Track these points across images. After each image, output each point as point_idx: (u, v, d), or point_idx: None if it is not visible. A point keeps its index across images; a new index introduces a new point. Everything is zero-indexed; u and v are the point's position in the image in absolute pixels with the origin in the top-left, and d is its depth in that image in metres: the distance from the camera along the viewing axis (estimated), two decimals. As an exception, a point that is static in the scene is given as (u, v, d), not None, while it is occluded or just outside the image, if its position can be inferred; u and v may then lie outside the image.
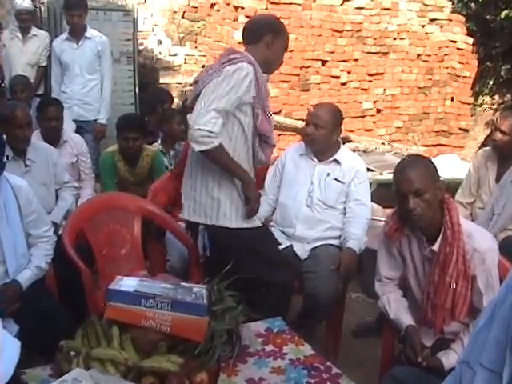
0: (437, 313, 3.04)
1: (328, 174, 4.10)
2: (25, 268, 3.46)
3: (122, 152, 4.96)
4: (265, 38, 3.55)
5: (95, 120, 6.47)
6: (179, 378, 2.50)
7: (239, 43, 8.58)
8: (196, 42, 9.99)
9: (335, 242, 4.03)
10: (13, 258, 3.40)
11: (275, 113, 8.80)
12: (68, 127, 5.24)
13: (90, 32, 6.49)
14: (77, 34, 6.42)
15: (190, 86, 9.03)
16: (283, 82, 8.99)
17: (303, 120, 8.57)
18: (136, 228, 4.14)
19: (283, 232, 4.09)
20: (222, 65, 3.40)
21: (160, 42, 9.73)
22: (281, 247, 3.99)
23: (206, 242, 4.27)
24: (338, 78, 9.37)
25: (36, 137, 4.71)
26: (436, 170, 3.06)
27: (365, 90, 9.53)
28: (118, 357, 2.55)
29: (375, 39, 9.42)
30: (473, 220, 4.42)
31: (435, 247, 3.00)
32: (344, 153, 4.19)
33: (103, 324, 2.76)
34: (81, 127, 6.20)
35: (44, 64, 7.33)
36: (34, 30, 7.34)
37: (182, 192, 3.64)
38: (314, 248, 4.00)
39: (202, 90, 3.38)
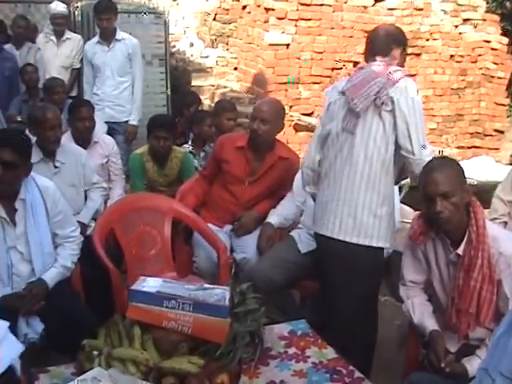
0: (461, 317, 3.00)
1: None
2: (51, 267, 3.51)
3: (152, 152, 4.98)
4: (393, 51, 3.51)
5: (126, 121, 6.52)
6: (200, 379, 2.50)
7: (269, 45, 8.64)
8: (227, 44, 10.02)
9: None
10: (39, 258, 3.44)
11: (307, 114, 8.80)
12: (99, 129, 5.28)
13: (121, 35, 6.55)
14: (107, 37, 6.49)
15: (224, 87, 9.09)
16: (314, 83, 8.99)
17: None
18: (166, 229, 4.16)
19: (310, 234, 4.05)
20: (388, 80, 3.35)
21: (192, 45, 9.78)
22: (308, 249, 4.01)
23: (232, 243, 4.31)
24: (370, 78, 9.29)
25: (67, 138, 4.75)
26: (463, 173, 3.03)
27: (397, 91, 9.44)
28: (139, 357, 2.56)
29: (407, 40, 9.31)
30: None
31: (460, 251, 2.97)
32: None
33: (126, 324, 2.78)
34: (112, 129, 6.28)
35: (77, 66, 7.42)
36: (68, 34, 7.45)
37: (320, 206, 3.58)
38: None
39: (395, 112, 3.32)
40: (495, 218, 3.96)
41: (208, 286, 3.00)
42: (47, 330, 3.33)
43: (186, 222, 4.30)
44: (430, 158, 3.23)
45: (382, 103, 3.30)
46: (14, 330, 3.18)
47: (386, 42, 3.53)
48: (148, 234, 4.11)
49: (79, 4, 8.40)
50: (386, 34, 3.58)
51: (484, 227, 2.92)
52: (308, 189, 3.76)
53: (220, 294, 2.87)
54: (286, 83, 8.84)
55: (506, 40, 10.13)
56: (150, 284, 2.88)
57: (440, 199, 2.89)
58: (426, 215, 3.08)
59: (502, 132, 10.31)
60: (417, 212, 3.29)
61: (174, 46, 9.47)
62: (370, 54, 3.54)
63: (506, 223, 3.94)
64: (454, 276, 3.04)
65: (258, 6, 9.09)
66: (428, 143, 3.38)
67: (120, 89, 6.51)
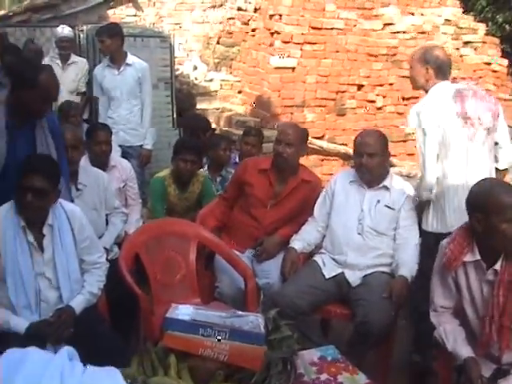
0: (503, 335, 3.00)
1: (378, 201, 4.08)
2: (78, 294, 3.49)
3: (177, 174, 4.95)
4: None
5: (140, 145, 6.48)
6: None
7: (275, 68, 8.68)
8: (231, 68, 10.06)
9: (386, 269, 4.00)
10: (67, 284, 3.43)
11: (318, 138, 8.83)
12: (115, 152, 5.27)
13: (131, 59, 6.52)
14: (117, 60, 6.47)
15: (229, 111, 9.11)
16: (318, 106, 9.02)
17: (346, 145, 8.69)
18: (191, 254, 4.14)
19: (334, 259, 4.08)
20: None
21: (195, 68, 9.83)
22: (332, 274, 4.01)
23: (254, 268, 4.29)
24: (374, 102, 9.38)
25: (84, 162, 4.74)
26: None
27: (400, 114, 9.52)
28: (176, 386, 2.54)
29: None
30: None
31: (497, 266, 2.99)
32: (392, 178, 4.18)
33: (158, 352, 2.76)
34: (126, 152, 6.26)
35: (82, 90, 7.42)
36: (74, 58, 7.46)
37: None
38: (365, 275, 3.97)
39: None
40: None
41: (240, 312, 2.99)
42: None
43: (211, 248, 4.29)
44: None
45: None
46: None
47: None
48: (173, 259, 4.09)
49: (84, 28, 8.43)
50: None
51: None
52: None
53: (254, 320, 2.86)
54: (291, 106, 8.86)
55: (506, 62, 10.21)
56: (183, 311, 2.86)
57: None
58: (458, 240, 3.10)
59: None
60: (446, 239, 3.28)
61: (178, 70, 9.49)
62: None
63: None
64: (490, 295, 3.03)
65: (268, 30, 9.13)
66: None
67: (133, 112, 6.49)
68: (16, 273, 3.29)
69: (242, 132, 6.23)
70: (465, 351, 3.08)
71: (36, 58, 7.41)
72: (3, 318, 3.26)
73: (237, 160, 5.57)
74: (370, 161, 4.04)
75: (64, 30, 7.34)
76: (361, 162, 4.08)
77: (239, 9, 10.13)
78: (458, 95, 3.98)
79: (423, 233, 4.11)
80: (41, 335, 3.24)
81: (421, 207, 4.16)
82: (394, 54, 9.43)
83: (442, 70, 4.09)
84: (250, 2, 10.01)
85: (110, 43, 6.39)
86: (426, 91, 4.13)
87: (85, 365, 2.48)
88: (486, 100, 4.05)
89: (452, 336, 3.17)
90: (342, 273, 4.01)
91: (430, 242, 3.95)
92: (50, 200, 3.35)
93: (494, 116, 4.01)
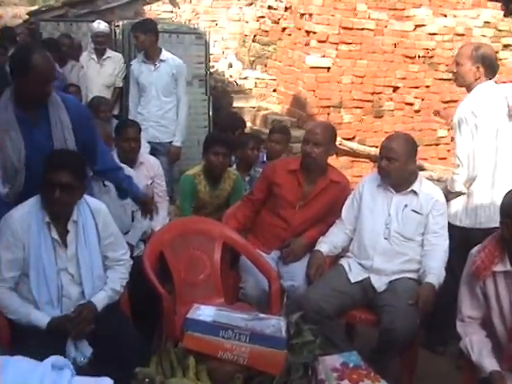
0: None
1: (405, 206, 4.01)
2: (100, 290, 3.48)
3: (209, 169, 4.92)
4: None
5: (170, 142, 6.48)
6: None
7: (310, 68, 8.63)
8: (266, 66, 10.03)
9: (413, 275, 3.94)
10: (89, 280, 3.43)
11: (348, 139, 8.78)
12: (143, 149, 5.27)
13: (165, 55, 6.53)
14: (152, 56, 6.48)
15: (265, 109, 9.10)
16: (356, 107, 8.97)
17: (376, 147, 8.60)
18: (216, 254, 4.11)
19: (360, 263, 4.03)
20: None
21: (231, 66, 9.83)
22: (358, 279, 3.96)
23: (279, 270, 4.26)
24: (412, 104, 9.29)
25: (113, 158, 4.76)
26: None
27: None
28: (193, 387, 2.53)
29: (447, 65, 9.27)
30: None
31: None
32: (422, 183, 4.10)
33: (177, 352, 2.74)
34: (155, 149, 6.26)
35: (120, 85, 7.49)
36: (109, 52, 7.53)
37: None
38: (391, 281, 3.92)
39: None
40: None
41: (263, 315, 2.97)
42: (95, 354, 3.30)
43: (237, 248, 4.25)
44: None
45: None
46: (62, 353, 3.18)
47: None
48: (198, 258, 4.06)
49: (120, 23, 8.48)
50: None
51: None
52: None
53: (276, 324, 2.85)
54: (328, 107, 8.81)
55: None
56: (205, 312, 2.85)
57: None
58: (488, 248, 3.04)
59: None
60: (476, 247, 3.22)
61: (213, 67, 9.49)
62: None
63: None
64: None
65: (299, 29, 9.10)
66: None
67: (165, 109, 6.48)
68: (39, 268, 3.30)
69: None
70: (490, 364, 3.02)
71: (69, 53, 7.52)
72: (24, 312, 3.28)
73: (264, 159, 5.52)
74: (389, 165, 3.97)
75: (100, 26, 7.41)
76: (380, 166, 4.04)
77: (270, 7, 10.09)
78: (506, 95, 4.05)
79: (448, 225, 4.07)
80: (61, 330, 3.25)
81: (447, 199, 4.17)
82: (432, 57, 9.32)
83: (493, 69, 4.10)
84: (281, 1, 9.97)
85: (144, 39, 6.40)
86: (470, 90, 4.10)
87: (73, 374, 2.46)
88: None
89: (477, 347, 3.11)
90: (368, 278, 3.96)
91: (454, 235, 3.98)
92: (76, 195, 3.36)
93: None
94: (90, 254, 3.44)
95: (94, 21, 7.76)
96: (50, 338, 3.20)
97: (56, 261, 3.35)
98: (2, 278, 3.31)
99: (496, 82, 4.31)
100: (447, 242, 4.01)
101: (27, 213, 3.33)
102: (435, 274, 3.83)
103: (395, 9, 9.28)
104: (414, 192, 4.05)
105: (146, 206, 4.37)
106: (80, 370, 3.14)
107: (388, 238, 3.97)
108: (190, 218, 4.67)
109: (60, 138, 3.55)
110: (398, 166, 3.96)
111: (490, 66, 4.09)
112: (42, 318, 3.26)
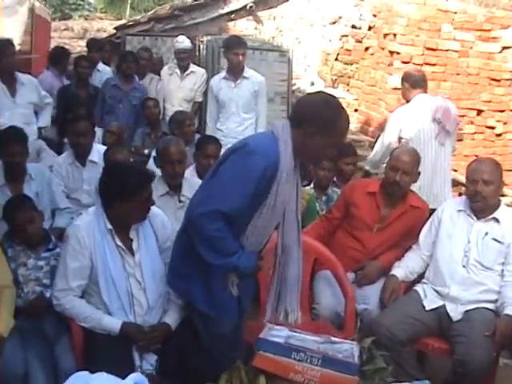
0: None
1: (486, 233, 3.92)
2: (171, 309, 3.52)
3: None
4: None
5: (249, 158, 6.48)
6: None
7: (393, 89, 8.55)
8: (348, 85, 9.99)
9: (491, 305, 3.83)
10: (153, 286, 3.47)
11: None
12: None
13: (248, 72, 6.59)
14: (236, 73, 6.54)
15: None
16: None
17: (455, 170, 8.43)
18: (306, 269, 3.94)
19: (436, 290, 3.96)
20: None
21: (312, 84, 9.82)
22: (433, 306, 3.90)
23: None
24: (493, 128, 9.09)
25: (190, 172, 4.80)
26: None
27: (521, 141, 9.19)
28: (263, 407, 2.53)
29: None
30: None
31: None
32: (504, 211, 4.00)
33: (248, 371, 2.75)
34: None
35: (199, 100, 7.56)
36: (192, 67, 7.60)
37: None
38: (467, 310, 3.82)
39: None
40: None
41: (335, 339, 2.95)
42: (163, 366, 3.33)
43: (326, 264, 4.20)
44: None
45: None
46: (129, 361, 3.25)
47: None
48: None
49: (204, 39, 8.59)
50: None
51: None
52: None
53: (349, 349, 2.82)
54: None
55: None
56: (278, 333, 2.85)
57: None
58: None
59: None
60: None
61: (295, 84, 9.51)
62: None
63: None
64: None
65: (382, 49, 9.04)
66: None
67: (244, 125, 6.54)
68: (107, 275, 3.38)
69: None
70: None
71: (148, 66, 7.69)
72: (97, 318, 3.36)
73: (334, 179, 5.48)
74: (486, 188, 3.88)
75: (183, 42, 7.50)
76: (475, 190, 3.92)
77: (353, 26, 10.06)
78: None
79: None
80: (131, 338, 3.32)
81: None
82: (518, 79, 9.12)
83: None
84: (364, 20, 9.92)
85: (243, 56, 6.48)
86: None
87: None
88: None
89: None
90: (444, 306, 3.88)
91: None
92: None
93: None
94: (152, 260, 3.50)
95: (178, 35, 7.88)
96: (118, 346, 3.27)
97: (124, 267, 3.42)
98: (69, 287, 3.39)
99: None
100: None
101: (90, 221, 3.43)
102: None
103: (481, 29, 9.12)
104: (496, 219, 3.95)
105: None
106: (150, 378, 3.21)
107: (466, 266, 3.89)
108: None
109: None
110: (493, 189, 3.90)
111: None
112: (114, 323, 3.34)
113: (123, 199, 3.34)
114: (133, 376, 2.54)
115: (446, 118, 5.42)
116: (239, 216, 2.94)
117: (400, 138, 5.48)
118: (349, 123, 3.04)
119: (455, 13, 8.95)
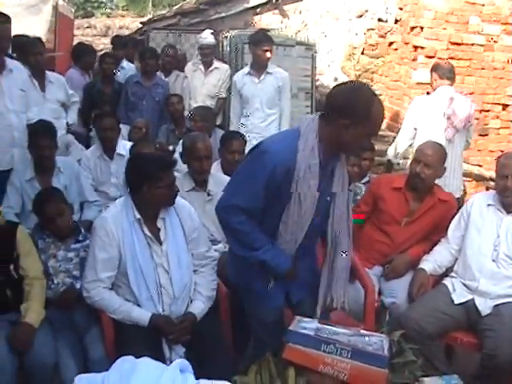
0: None
1: None
2: (197, 299, 3.56)
3: None
4: None
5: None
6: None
7: (417, 84, 8.50)
8: (372, 81, 9.92)
9: (521, 300, 3.82)
10: (178, 276, 3.51)
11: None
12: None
13: (272, 67, 6.59)
14: (259, 69, 6.54)
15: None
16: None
17: (480, 166, 8.38)
18: None
19: (464, 284, 3.94)
20: None
21: (336, 79, 9.76)
22: (462, 300, 3.87)
23: (381, 286, 4.21)
24: (520, 123, 9.00)
25: (215, 168, 4.81)
26: None
27: (547, 136, 9.08)
28: (293, 399, 2.53)
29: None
30: None
31: None
32: None
33: (278, 363, 2.75)
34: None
35: (223, 96, 7.56)
36: (216, 63, 7.62)
37: None
38: (497, 305, 3.79)
39: None
40: None
41: (364, 332, 2.94)
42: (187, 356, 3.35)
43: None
44: None
45: None
46: (159, 353, 3.27)
47: None
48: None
49: (228, 34, 8.59)
50: None
51: None
52: None
53: (378, 342, 2.81)
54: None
55: None
56: (308, 325, 2.85)
57: None
58: None
59: None
60: None
61: (318, 80, 9.48)
62: None
63: None
64: None
65: (406, 44, 8.99)
66: None
67: (268, 121, 6.55)
68: (136, 265, 3.42)
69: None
70: None
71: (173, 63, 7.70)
72: (126, 310, 3.40)
73: None
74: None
75: (208, 38, 7.52)
76: (505, 185, 3.91)
77: (380, 19, 9.99)
78: None
79: None
80: (161, 330, 3.35)
81: None
82: (545, 74, 9.01)
83: None
84: (390, 13, 9.85)
85: (271, 53, 6.49)
86: None
87: (197, 378, 2.51)
88: None
89: None
90: (472, 300, 3.86)
91: None
92: None
93: None
94: (179, 249, 3.54)
95: (203, 29, 7.88)
96: (148, 337, 3.29)
97: (152, 256, 3.46)
98: (99, 279, 3.44)
99: None
100: None
101: (118, 212, 3.48)
102: None
103: (507, 23, 9.03)
104: None
105: None
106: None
107: (496, 260, 3.87)
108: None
109: None
110: None
111: None
112: (143, 315, 3.38)
113: (149, 182, 3.40)
114: (178, 361, 2.56)
115: (456, 114, 5.39)
116: (261, 212, 3.01)
117: (414, 129, 5.58)
118: (383, 110, 2.96)
119: (483, 5, 8.84)
